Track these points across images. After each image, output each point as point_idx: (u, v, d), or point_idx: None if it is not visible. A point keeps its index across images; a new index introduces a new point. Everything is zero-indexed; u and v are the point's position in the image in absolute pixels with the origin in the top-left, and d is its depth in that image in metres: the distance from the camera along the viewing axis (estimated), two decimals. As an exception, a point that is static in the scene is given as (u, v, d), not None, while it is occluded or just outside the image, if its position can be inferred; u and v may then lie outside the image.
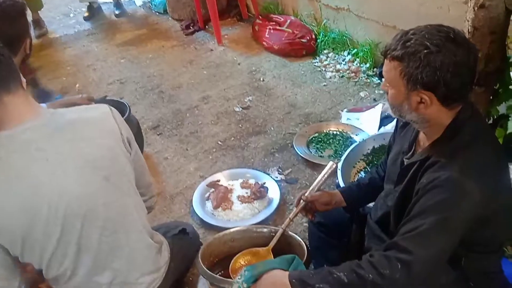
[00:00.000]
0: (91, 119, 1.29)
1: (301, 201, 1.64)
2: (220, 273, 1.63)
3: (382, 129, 2.42)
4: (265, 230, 1.68)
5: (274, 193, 2.21)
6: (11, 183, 1.17)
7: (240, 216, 2.11)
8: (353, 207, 1.67)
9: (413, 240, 1.12)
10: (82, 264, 1.30)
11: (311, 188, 1.65)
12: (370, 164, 2.23)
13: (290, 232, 1.63)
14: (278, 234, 1.62)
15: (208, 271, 1.43)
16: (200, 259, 1.51)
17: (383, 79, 1.25)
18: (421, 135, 1.34)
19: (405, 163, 1.35)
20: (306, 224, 2.05)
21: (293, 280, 1.19)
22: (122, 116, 2.34)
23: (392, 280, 1.10)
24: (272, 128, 2.72)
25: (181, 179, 2.42)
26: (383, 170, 1.64)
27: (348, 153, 2.22)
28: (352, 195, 1.65)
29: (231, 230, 1.68)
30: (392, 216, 1.36)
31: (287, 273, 1.23)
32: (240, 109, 2.91)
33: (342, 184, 2.07)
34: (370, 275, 1.11)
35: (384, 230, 1.43)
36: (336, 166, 1.67)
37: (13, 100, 1.18)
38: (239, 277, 1.28)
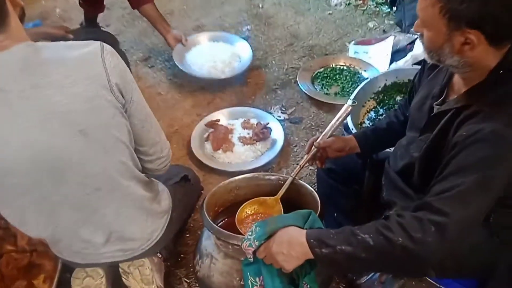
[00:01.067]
0: (69, 60, 1.04)
1: (313, 147, 1.50)
2: (224, 220, 1.53)
3: (394, 65, 2.24)
4: (272, 177, 1.56)
5: (277, 134, 2.06)
6: None
7: (242, 159, 1.98)
8: (367, 153, 1.55)
9: (450, 201, 1.00)
10: (63, 222, 1.18)
11: (324, 133, 1.51)
12: (381, 104, 2.07)
13: (300, 181, 1.51)
14: (288, 183, 1.50)
15: (215, 225, 1.32)
16: (205, 211, 1.39)
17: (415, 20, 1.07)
18: (456, 78, 1.17)
19: (435, 110, 1.20)
20: (313, 168, 1.94)
21: (311, 240, 1.07)
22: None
23: (424, 245, 0.98)
24: (273, 62, 2.52)
25: (177, 117, 2.25)
26: (402, 114, 1.50)
27: (358, 91, 2.05)
28: (368, 141, 1.52)
29: (236, 178, 1.55)
30: (417, 167, 1.23)
31: (304, 231, 1.11)
32: (239, 39, 2.68)
33: (351, 125, 1.93)
34: (400, 238, 1.00)
35: (406, 181, 1.30)
36: (352, 109, 1.51)
37: None
38: (250, 233, 1.17)
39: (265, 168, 1.95)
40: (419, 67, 1.39)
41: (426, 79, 1.31)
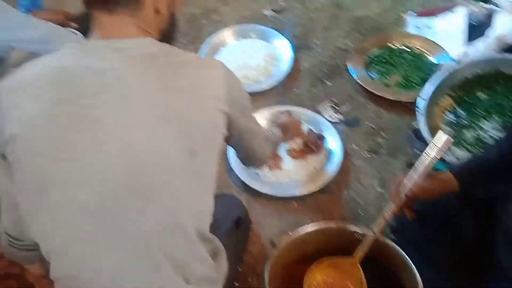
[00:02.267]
0: (196, 72, 0.90)
1: (401, 194, 1.17)
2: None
3: (471, 49, 1.82)
4: (347, 229, 1.24)
5: (332, 142, 1.71)
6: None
7: (293, 177, 1.65)
8: (470, 195, 1.21)
9: None
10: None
11: (414, 174, 1.16)
12: (461, 102, 1.69)
13: (386, 239, 1.19)
14: (369, 241, 1.18)
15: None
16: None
17: None
18: None
19: None
20: (377, 191, 1.61)
21: None
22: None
23: None
24: (316, 41, 2.10)
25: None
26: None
27: (432, 87, 1.67)
28: (474, 180, 1.17)
29: (302, 233, 1.25)
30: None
31: None
32: (272, 12, 2.24)
33: (425, 132, 1.57)
34: None
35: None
36: (450, 140, 1.15)
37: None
38: None
39: (323, 190, 1.62)
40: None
41: None
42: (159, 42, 0.90)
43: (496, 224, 1.15)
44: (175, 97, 0.86)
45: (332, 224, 1.28)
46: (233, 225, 1.27)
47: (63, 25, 1.71)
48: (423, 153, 1.17)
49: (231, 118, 0.93)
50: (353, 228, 1.24)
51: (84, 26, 1.21)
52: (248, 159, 1.22)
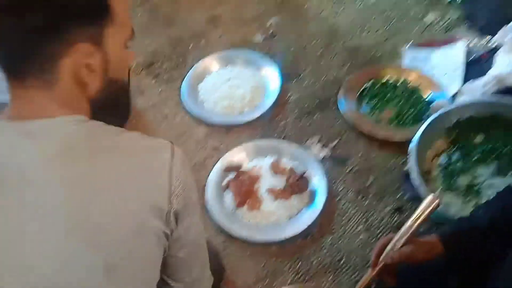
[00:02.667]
0: (128, 163, 0.72)
1: (383, 260, 1.06)
2: None
3: (468, 85, 1.72)
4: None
5: (317, 181, 1.60)
6: None
7: (273, 220, 1.53)
8: (458, 261, 1.10)
9: None
10: None
11: (396, 238, 1.06)
12: (455, 145, 1.59)
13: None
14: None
15: None
16: None
17: None
18: None
19: None
20: (362, 237, 1.50)
21: None
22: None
23: None
24: (307, 70, 2.01)
25: (187, 151, 1.78)
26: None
27: (424, 129, 1.56)
28: (461, 246, 1.06)
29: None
30: None
31: None
32: (262, 38, 2.15)
33: (416, 175, 1.46)
34: None
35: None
36: (438, 204, 1.05)
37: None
38: None
39: (304, 234, 1.51)
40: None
41: None
42: (89, 121, 0.73)
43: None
44: (92, 198, 0.68)
45: None
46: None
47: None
48: (409, 218, 1.07)
49: (173, 215, 0.75)
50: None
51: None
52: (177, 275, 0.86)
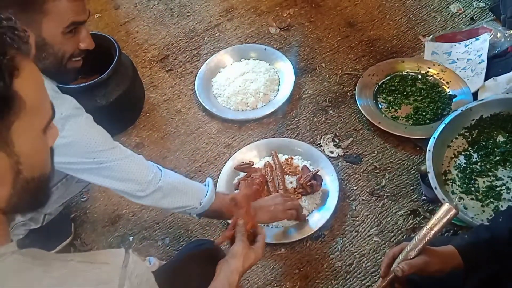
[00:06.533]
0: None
1: (393, 271, 1.01)
2: None
3: (492, 82, 1.63)
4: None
5: (329, 181, 1.56)
6: None
7: (284, 222, 1.51)
8: (475, 272, 1.05)
9: None
10: None
11: (409, 248, 1.02)
12: (475, 145, 1.51)
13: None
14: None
15: None
16: None
17: None
18: None
19: None
20: (374, 241, 1.45)
21: None
22: (110, 61, 1.64)
23: None
24: (323, 65, 1.95)
25: (200, 148, 1.77)
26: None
27: (444, 127, 1.49)
28: (480, 257, 1.01)
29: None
30: None
31: None
32: (277, 30, 2.10)
33: (431, 173, 1.40)
34: None
35: None
36: (455, 213, 1.00)
37: None
38: None
39: (315, 236, 1.47)
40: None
41: None
42: (13, 253, 0.57)
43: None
44: None
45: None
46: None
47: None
48: (424, 226, 1.02)
49: None
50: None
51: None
52: None
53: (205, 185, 1.26)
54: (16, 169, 0.56)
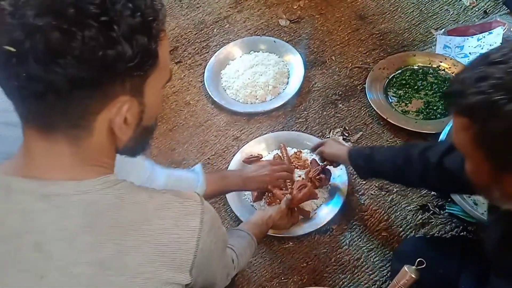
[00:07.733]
0: (153, 229, 0.67)
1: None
2: None
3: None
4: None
5: (338, 175, 1.55)
6: None
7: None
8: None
9: None
10: None
11: None
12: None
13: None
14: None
15: None
16: None
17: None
18: None
19: None
20: (383, 236, 1.45)
21: None
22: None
23: None
24: (332, 58, 1.93)
25: (208, 140, 1.77)
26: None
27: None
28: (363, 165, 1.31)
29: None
30: None
31: None
32: (287, 22, 2.08)
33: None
34: None
35: None
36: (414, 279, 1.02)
37: None
38: None
39: (322, 230, 1.47)
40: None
41: None
42: (117, 183, 0.67)
43: None
44: (115, 281, 0.64)
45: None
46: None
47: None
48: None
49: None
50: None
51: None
52: None
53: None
54: (140, 117, 0.67)
